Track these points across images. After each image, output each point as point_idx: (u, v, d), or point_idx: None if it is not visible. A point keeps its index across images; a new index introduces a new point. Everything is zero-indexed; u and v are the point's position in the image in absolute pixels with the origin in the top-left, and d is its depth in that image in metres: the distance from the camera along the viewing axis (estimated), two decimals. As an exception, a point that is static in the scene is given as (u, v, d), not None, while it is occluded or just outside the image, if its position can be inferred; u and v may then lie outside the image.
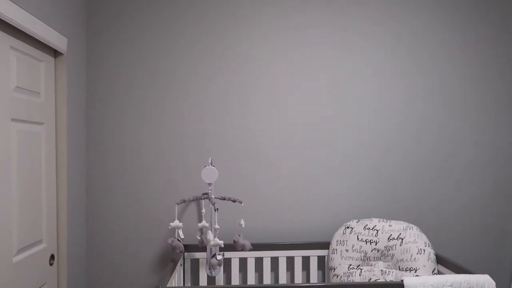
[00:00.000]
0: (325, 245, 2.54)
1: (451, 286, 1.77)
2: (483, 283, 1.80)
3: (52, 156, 2.14)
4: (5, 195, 1.69)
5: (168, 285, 1.73)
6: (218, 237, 1.94)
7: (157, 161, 2.55)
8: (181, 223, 2.00)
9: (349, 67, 2.63)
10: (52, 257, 2.12)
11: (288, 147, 2.61)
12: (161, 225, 2.55)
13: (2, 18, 1.58)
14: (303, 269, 2.60)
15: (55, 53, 2.18)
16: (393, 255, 2.33)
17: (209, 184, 2.15)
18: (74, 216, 2.34)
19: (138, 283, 2.55)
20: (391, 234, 2.37)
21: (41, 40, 1.94)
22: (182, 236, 2.03)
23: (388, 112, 2.65)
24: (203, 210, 2.33)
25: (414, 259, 2.25)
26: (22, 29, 1.74)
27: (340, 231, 2.48)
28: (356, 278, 2.37)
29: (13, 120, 1.77)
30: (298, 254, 2.52)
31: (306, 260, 2.61)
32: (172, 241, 2.03)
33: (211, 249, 2.20)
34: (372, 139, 2.65)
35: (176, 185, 2.55)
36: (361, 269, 2.39)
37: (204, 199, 2.10)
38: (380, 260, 2.38)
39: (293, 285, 1.74)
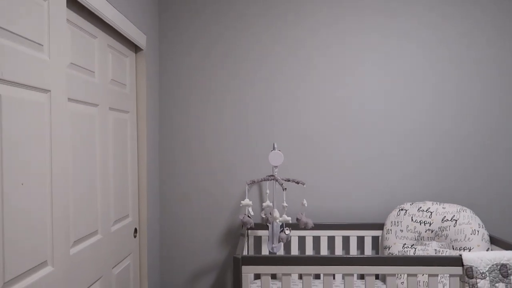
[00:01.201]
0: (379, 226, 2.69)
1: (508, 261, 1.89)
2: (540, 259, 1.90)
3: (135, 142, 2.41)
4: (106, 174, 1.97)
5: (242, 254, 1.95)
6: (285, 214, 2.14)
7: (220, 148, 2.78)
8: (250, 202, 2.22)
9: (405, 53, 2.74)
10: (136, 230, 2.40)
11: (347, 133, 2.77)
12: (224, 206, 2.79)
13: (102, 17, 1.83)
14: (358, 248, 2.77)
15: (135, 49, 2.43)
16: (447, 236, 2.45)
17: (275, 167, 2.35)
18: (151, 196, 2.62)
19: (206, 256, 2.80)
20: (445, 216, 2.48)
21: (128, 38, 2.19)
22: (252, 213, 2.24)
23: (444, 98, 2.75)
24: (268, 191, 2.54)
25: (468, 239, 2.37)
26: (115, 27, 1.99)
27: (394, 212, 2.62)
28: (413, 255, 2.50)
29: (110, 109, 2.03)
30: (353, 234, 2.69)
31: (360, 240, 2.77)
32: (243, 217, 2.25)
33: (273, 226, 2.41)
34: (427, 125, 2.75)
35: (238, 170, 2.77)
36: (415, 248, 2.52)
37: (269, 180, 2.31)
38: (434, 240, 2.51)
39: (362, 256, 1.91)
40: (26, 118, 1.26)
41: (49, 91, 1.39)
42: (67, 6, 1.59)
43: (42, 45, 1.36)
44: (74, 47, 1.66)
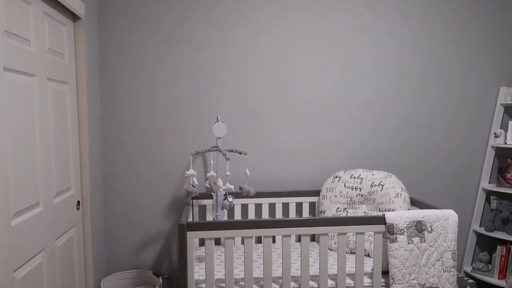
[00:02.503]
0: (316, 193, 2.90)
1: (422, 218, 2.16)
2: (448, 215, 2.20)
3: (75, 113, 2.37)
4: (46, 146, 1.94)
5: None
6: (228, 183, 2.25)
7: (167, 118, 2.81)
8: (195, 172, 2.30)
9: (345, 31, 2.90)
10: (78, 203, 2.40)
11: (288, 107, 2.90)
12: (169, 176, 2.84)
13: (38, -15, 1.76)
14: (296, 213, 2.98)
15: (73, 17, 2.35)
16: (374, 199, 2.72)
17: (219, 138, 2.44)
18: (93, 167, 2.60)
19: (151, 225, 2.87)
20: (373, 182, 2.74)
21: (65, 5, 2.11)
22: (196, 183, 2.33)
23: (379, 73, 2.96)
24: (212, 162, 2.63)
25: (392, 201, 2.65)
26: (52, -5, 1.92)
27: (329, 180, 2.84)
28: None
29: (48, 79, 1.98)
30: (292, 201, 2.88)
31: (299, 206, 2.98)
32: (188, 187, 2.33)
33: (217, 195, 2.52)
34: (361, 101, 2.97)
35: (185, 139, 2.83)
36: (347, 212, 2.77)
37: (214, 151, 2.39)
38: (364, 203, 2.77)
39: (300, 218, 2.09)
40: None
41: (-17, 59, 1.35)
42: (-2, -30, 1.51)
43: (-27, 11, 1.30)
44: (8, 14, 1.59)
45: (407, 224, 2.16)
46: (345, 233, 2.14)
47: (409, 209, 2.67)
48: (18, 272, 1.66)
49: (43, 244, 1.90)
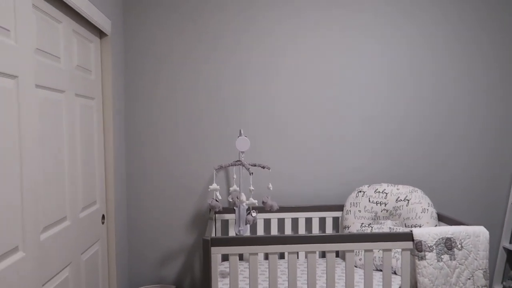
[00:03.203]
0: (339, 208, 2.85)
1: (452, 234, 2.09)
2: (479, 232, 2.12)
3: (101, 128, 2.40)
4: (73, 161, 1.97)
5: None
6: (251, 197, 2.24)
7: (189, 133, 2.82)
8: (218, 186, 2.29)
9: (363, 44, 2.88)
10: (103, 217, 2.42)
11: (310, 121, 2.89)
12: (192, 190, 2.85)
13: (66, 2, 1.81)
14: (319, 228, 2.93)
15: (100, 34, 2.40)
16: (400, 214, 2.65)
17: (242, 152, 2.43)
18: (118, 182, 2.63)
19: (174, 239, 2.86)
20: (398, 197, 2.68)
21: (92, 22, 2.16)
22: (219, 197, 2.32)
23: (398, 87, 2.92)
24: (235, 176, 2.62)
25: (419, 217, 2.58)
26: (79, 12, 1.96)
27: (353, 194, 2.79)
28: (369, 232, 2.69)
29: (76, 95, 2.02)
30: (315, 216, 2.84)
31: (322, 221, 2.93)
32: (212, 202, 2.32)
33: (239, 210, 2.50)
34: (384, 114, 2.93)
35: (207, 154, 2.83)
36: (372, 227, 2.71)
37: (237, 165, 2.39)
38: (389, 219, 2.71)
39: (323, 234, 2.05)
40: (-5, 105, 1.26)
41: (17, 77, 1.38)
42: (32, -10, 1.56)
43: (9, 30, 1.34)
44: (40, 32, 1.63)
45: (436, 241, 2.09)
46: (371, 250, 2.08)
47: (436, 225, 2.59)
48: (46, 287, 1.67)
49: (69, 259, 1.91)
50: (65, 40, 1.89)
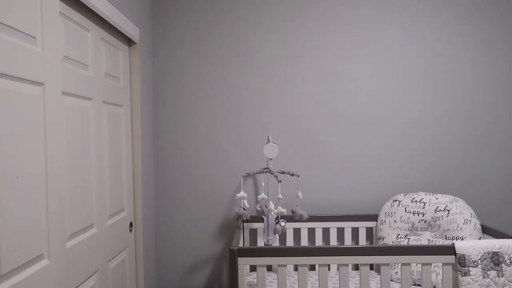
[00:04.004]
0: (373, 218, 2.72)
1: (499, 249, 1.92)
2: (531, 247, 1.93)
3: (129, 136, 2.41)
4: (100, 168, 1.96)
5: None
6: (280, 206, 2.15)
7: (215, 140, 2.78)
8: (246, 194, 2.23)
9: (398, 49, 2.76)
10: (131, 224, 2.41)
11: (341, 126, 2.78)
12: (219, 198, 2.80)
13: (94, 10, 1.81)
14: (352, 239, 2.80)
15: (129, 42, 2.42)
16: (440, 225, 2.48)
17: (270, 160, 2.36)
18: (146, 190, 2.62)
19: (202, 248, 2.82)
20: (438, 206, 2.51)
21: (121, 31, 2.17)
22: (247, 206, 2.25)
23: (435, 92, 2.77)
24: (263, 184, 2.56)
25: (461, 228, 2.40)
26: (108, 20, 1.97)
27: (388, 203, 2.64)
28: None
29: (104, 102, 2.02)
30: (347, 225, 2.71)
31: (355, 231, 2.80)
32: (239, 210, 2.26)
33: (268, 219, 2.42)
34: (421, 118, 2.78)
35: (234, 161, 2.78)
36: (409, 238, 2.55)
37: (265, 172, 2.32)
38: (427, 230, 2.54)
39: (358, 246, 1.93)
40: (20, 111, 1.25)
41: (43, 84, 1.38)
42: (59, -2, 1.57)
43: (35, 38, 1.35)
44: (68, 40, 1.64)
45: (482, 256, 1.92)
46: (409, 264, 1.95)
47: (480, 238, 2.40)
48: (72, 295, 1.66)
49: (96, 266, 1.90)
50: (93, 48, 1.90)
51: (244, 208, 2.29)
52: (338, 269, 2.72)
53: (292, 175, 2.38)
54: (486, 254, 1.92)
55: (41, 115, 1.37)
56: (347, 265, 1.94)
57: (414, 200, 2.59)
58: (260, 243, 2.72)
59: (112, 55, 2.14)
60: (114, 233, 2.13)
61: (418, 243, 2.52)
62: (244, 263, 1.92)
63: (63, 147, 1.55)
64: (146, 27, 2.64)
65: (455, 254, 1.93)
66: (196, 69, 2.78)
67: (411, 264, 2.43)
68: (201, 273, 2.84)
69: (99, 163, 1.95)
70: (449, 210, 2.47)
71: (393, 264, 2.52)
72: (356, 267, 2.81)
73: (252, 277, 2.59)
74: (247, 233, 2.72)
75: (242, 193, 2.23)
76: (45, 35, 1.40)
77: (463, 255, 1.92)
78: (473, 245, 1.93)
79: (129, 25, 2.24)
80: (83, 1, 1.68)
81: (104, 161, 2.02)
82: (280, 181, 2.12)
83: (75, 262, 1.67)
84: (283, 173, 2.40)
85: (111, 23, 2.01)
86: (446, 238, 2.46)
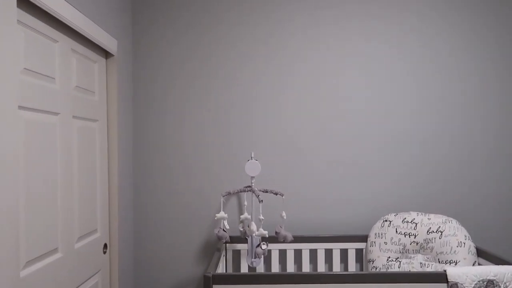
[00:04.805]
0: (363, 238, 2.58)
1: (494, 276, 1.79)
2: (528, 274, 1.80)
3: (105, 152, 2.28)
4: (68, 185, 1.84)
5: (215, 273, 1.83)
6: (262, 228, 2.03)
7: (199, 156, 2.66)
8: (226, 214, 2.10)
9: (387, 58, 2.66)
10: (105, 246, 2.27)
11: (328, 143, 2.67)
12: (203, 217, 2.66)
13: (63, 21, 1.71)
14: (341, 261, 2.66)
15: (106, 54, 2.31)
16: (432, 248, 2.35)
17: (252, 178, 2.24)
18: (123, 208, 2.48)
19: (183, 271, 2.67)
20: (430, 227, 2.39)
21: (96, 42, 2.07)
22: (227, 227, 2.12)
23: (425, 108, 2.67)
24: (245, 203, 2.43)
25: (454, 251, 2.27)
26: (80, 32, 1.87)
27: (378, 224, 2.51)
28: (395, 270, 2.40)
29: (74, 117, 1.91)
30: (336, 247, 2.57)
31: (344, 253, 2.66)
32: (218, 231, 2.13)
33: (252, 239, 2.29)
34: (412, 133, 2.67)
35: (218, 179, 2.65)
36: (400, 262, 2.42)
37: (247, 191, 2.19)
38: (419, 253, 2.41)
39: (348, 273, 1.80)
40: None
41: (-7, 98, 1.27)
42: (18, 6, 1.47)
43: (-16, 48, 1.24)
44: (29, 51, 1.53)
45: (476, 284, 1.79)
46: (398, 292, 1.81)
47: (475, 262, 2.27)
48: (27, 328, 1.51)
49: (60, 294, 1.76)
50: (61, 60, 1.79)
51: (224, 230, 2.16)
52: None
53: (276, 194, 2.25)
54: (481, 282, 1.79)
55: (-11, 132, 1.25)
56: (331, 293, 1.80)
57: (405, 221, 2.46)
58: (244, 265, 2.57)
59: (85, 68, 2.03)
60: (85, 256, 1.99)
61: (410, 266, 2.39)
62: (220, 291, 1.78)
63: (17, 164, 1.43)
64: (125, 38, 2.54)
65: (447, 282, 1.80)
66: (181, 82, 2.68)
67: (402, 289, 2.29)
68: (182, 297, 2.68)
69: (67, 181, 1.82)
70: (442, 232, 2.34)
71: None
72: None
73: (234, 302, 2.44)
74: (230, 255, 2.58)
75: (222, 213, 2.10)
76: (-2, 45, 1.29)
77: (456, 283, 1.78)
78: (466, 272, 1.80)
79: (105, 36, 2.14)
80: (48, 11, 1.58)
81: (73, 179, 1.89)
82: (262, 201, 1.99)
83: (32, 291, 1.53)
84: (266, 191, 2.27)
85: (84, 34, 1.91)
86: (439, 262, 2.32)
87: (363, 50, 2.66)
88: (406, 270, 2.39)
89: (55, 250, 1.73)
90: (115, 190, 2.34)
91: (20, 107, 1.47)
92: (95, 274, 2.13)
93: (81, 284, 1.96)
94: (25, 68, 1.50)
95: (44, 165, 1.63)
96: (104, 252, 2.26)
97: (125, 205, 2.53)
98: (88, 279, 2.05)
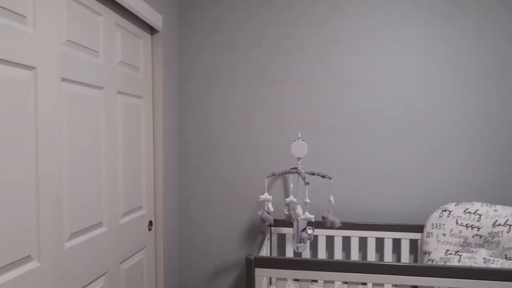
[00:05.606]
0: (418, 228, 2.38)
1: None
2: None
3: (150, 129, 2.27)
4: (113, 160, 1.83)
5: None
6: (308, 212, 1.91)
7: (244, 136, 2.58)
8: (270, 196, 2.01)
9: (444, 55, 2.40)
10: (150, 223, 2.27)
11: (381, 125, 2.47)
12: (247, 198, 2.60)
13: (109, -5, 1.68)
14: (393, 251, 2.48)
15: (151, 30, 2.28)
16: (498, 243, 2.11)
17: (298, 159, 2.12)
18: (168, 187, 2.48)
19: (227, 253, 2.63)
20: (496, 220, 2.14)
21: (141, 17, 2.04)
22: (271, 209, 2.03)
23: (499, 91, 2.38)
24: (291, 185, 2.32)
25: (526, 248, 2.02)
26: (125, 5, 1.84)
27: (436, 214, 2.30)
28: (455, 264, 2.19)
29: (118, 92, 1.89)
30: (388, 236, 2.40)
31: (396, 243, 2.48)
32: (262, 214, 2.04)
33: (298, 224, 2.18)
34: (477, 117, 2.40)
35: (263, 159, 2.57)
36: (460, 255, 2.20)
37: (293, 173, 2.08)
38: (483, 247, 2.18)
39: (403, 264, 1.65)
40: (3, 96, 1.12)
41: (34, 68, 1.25)
42: (61, -23, 1.44)
43: (25, 17, 1.22)
44: (72, 23, 1.51)
45: (554, 285, 1.56)
46: (459, 288, 1.63)
47: (551, 260, 2.00)
48: (71, 299, 1.53)
49: (105, 268, 1.77)
50: (105, 34, 1.76)
51: (268, 212, 2.07)
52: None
53: (324, 176, 2.12)
54: (560, 283, 1.56)
55: (31, 101, 1.24)
56: (382, 285, 1.66)
57: (467, 211, 2.22)
58: (290, 250, 2.48)
59: (130, 43, 2.01)
60: (129, 232, 2.00)
61: (472, 261, 2.16)
62: (262, 275, 1.71)
63: (60, 137, 1.42)
64: (170, 14, 2.49)
65: (518, 280, 1.59)
66: (228, 60, 2.59)
67: None
68: (227, 278, 2.65)
69: (111, 156, 1.82)
70: (510, 225, 2.09)
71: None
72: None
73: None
74: (275, 238, 2.50)
75: (266, 195, 2.01)
76: (38, 14, 1.26)
77: (529, 283, 1.56)
78: (542, 271, 1.57)
79: (150, 11, 2.10)
80: (90, -19, 1.55)
81: (117, 155, 1.89)
82: (308, 183, 1.87)
83: (76, 263, 1.55)
84: (313, 174, 2.14)
85: (128, 8, 1.87)
86: (506, 258, 2.08)
87: (422, 32, 2.41)
88: (467, 265, 2.17)
89: (99, 224, 1.73)
90: (161, 168, 2.32)
91: (63, 79, 1.45)
92: (140, 250, 2.15)
93: (126, 260, 1.98)
94: (67, 40, 1.49)
95: (87, 139, 1.62)
96: (149, 229, 2.26)
97: (170, 183, 2.52)
98: (133, 255, 2.06)
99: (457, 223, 2.22)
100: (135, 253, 2.10)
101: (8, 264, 1.16)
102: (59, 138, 1.37)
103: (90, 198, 1.64)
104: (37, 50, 1.25)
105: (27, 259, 1.24)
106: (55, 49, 1.34)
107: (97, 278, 1.72)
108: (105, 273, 1.78)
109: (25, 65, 1.21)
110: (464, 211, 2.23)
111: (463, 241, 2.20)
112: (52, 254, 1.36)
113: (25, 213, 1.22)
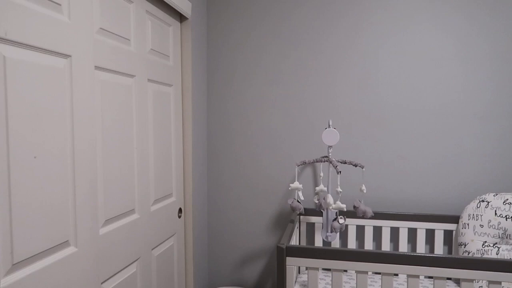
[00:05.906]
0: (454, 219, 2.31)
1: None
2: None
3: (179, 117, 2.28)
4: (145, 148, 1.85)
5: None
6: (339, 201, 1.88)
7: (274, 123, 2.56)
8: (301, 185, 1.98)
9: (482, 45, 2.27)
10: (180, 210, 2.29)
11: (414, 113, 2.39)
12: (277, 187, 2.58)
13: (139, -18, 1.67)
14: (426, 242, 2.42)
15: (180, 17, 2.27)
16: (541, 235, 2.01)
17: (330, 147, 2.08)
18: (197, 175, 2.49)
19: (255, 240, 2.64)
20: (539, 211, 2.04)
21: (170, 4, 2.02)
22: (302, 198, 2.01)
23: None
24: (322, 174, 2.28)
25: None
26: (155, -7, 1.83)
27: (473, 204, 2.22)
28: (493, 257, 2.11)
29: (149, 80, 1.89)
30: (421, 226, 2.34)
31: (430, 234, 2.41)
32: (292, 202, 2.02)
33: (328, 213, 2.15)
34: (518, 102, 2.28)
35: (293, 147, 2.53)
36: (499, 248, 2.12)
37: (323, 162, 2.04)
38: (524, 239, 2.08)
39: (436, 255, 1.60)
40: (40, 85, 1.14)
41: (70, 56, 1.26)
42: (93, -36, 1.44)
43: (60, 5, 1.22)
44: (104, 11, 1.52)
45: None
46: (499, 282, 1.56)
47: None
48: (107, 284, 1.57)
49: (137, 254, 1.80)
50: (136, 22, 1.76)
51: (298, 201, 2.05)
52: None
53: (356, 165, 2.07)
54: None
55: (67, 89, 1.26)
56: (417, 276, 1.62)
57: (507, 202, 2.13)
58: (319, 239, 2.46)
59: (160, 31, 2.00)
60: (160, 219, 2.03)
61: (511, 254, 2.08)
62: (293, 264, 1.69)
63: (95, 124, 1.44)
64: (199, 2, 2.47)
65: None
66: (256, 47, 2.56)
67: (502, 283, 2.01)
68: (255, 267, 2.66)
69: (143, 143, 1.83)
70: (555, 217, 1.99)
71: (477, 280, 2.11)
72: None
73: (306, 276, 2.35)
74: (304, 227, 2.48)
75: (296, 184, 1.99)
76: (73, 3, 1.27)
77: None
78: None
79: (179, -2, 2.08)
80: (122, -32, 1.54)
81: (149, 142, 1.90)
82: (340, 172, 1.83)
83: (110, 248, 1.58)
84: (345, 162, 2.10)
85: (158, -5, 1.86)
86: (549, 251, 1.98)
87: (456, 23, 2.29)
88: (506, 257, 2.09)
89: (132, 211, 1.76)
90: (190, 156, 2.33)
91: (97, 67, 1.46)
92: (170, 237, 2.17)
93: (157, 246, 2.01)
94: (101, 28, 1.49)
95: (120, 127, 1.64)
96: (179, 217, 2.29)
97: (199, 171, 2.53)
98: (164, 241, 2.09)
99: (495, 214, 2.13)
100: (166, 239, 2.12)
101: (49, 249, 1.19)
102: (93, 126, 1.39)
103: (123, 185, 1.66)
104: (72, 38, 1.26)
105: (65, 244, 1.27)
106: (89, 37, 1.35)
107: (130, 264, 1.75)
108: (137, 259, 1.81)
109: (62, 54, 1.22)
110: (504, 202, 2.14)
111: (502, 233, 2.12)
112: (88, 240, 1.39)
113: (63, 200, 1.24)
